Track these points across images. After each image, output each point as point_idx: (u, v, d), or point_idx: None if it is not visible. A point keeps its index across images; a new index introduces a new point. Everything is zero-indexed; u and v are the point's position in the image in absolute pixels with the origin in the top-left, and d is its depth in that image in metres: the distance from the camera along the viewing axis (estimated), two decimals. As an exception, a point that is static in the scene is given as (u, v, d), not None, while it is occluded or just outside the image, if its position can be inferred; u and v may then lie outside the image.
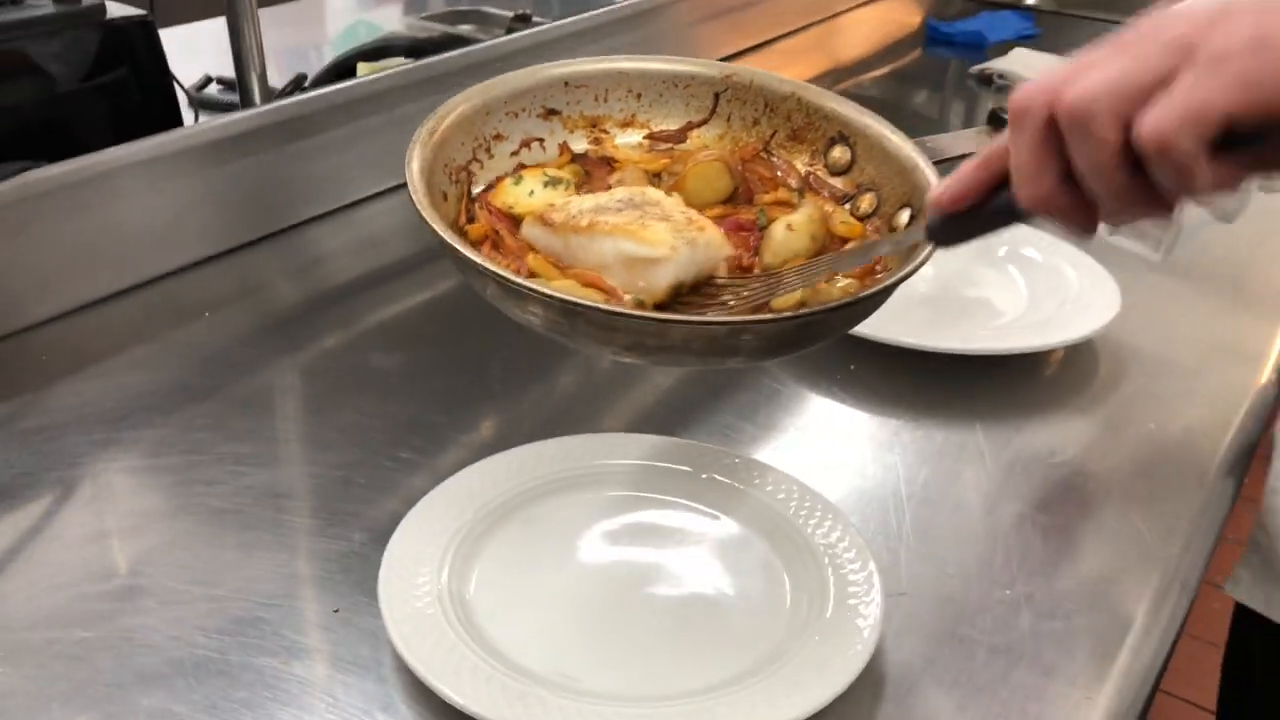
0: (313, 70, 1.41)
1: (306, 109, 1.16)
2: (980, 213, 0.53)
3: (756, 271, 0.68)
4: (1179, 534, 0.80)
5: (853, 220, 0.71)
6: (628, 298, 0.63)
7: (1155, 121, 0.42)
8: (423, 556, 0.71)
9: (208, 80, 1.44)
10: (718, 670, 0.65)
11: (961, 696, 0.66)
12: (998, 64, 1.70)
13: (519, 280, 0.58)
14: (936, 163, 0.70)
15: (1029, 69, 1.67)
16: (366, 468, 0.84)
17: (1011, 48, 1.78)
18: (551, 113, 0.75)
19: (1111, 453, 0.89)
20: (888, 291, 0.61)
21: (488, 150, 0.73)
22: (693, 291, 0.65)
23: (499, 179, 0.73)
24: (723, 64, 0.77)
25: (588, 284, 0.64)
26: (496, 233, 0.69)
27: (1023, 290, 1.08)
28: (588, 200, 0.67)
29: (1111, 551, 0.79)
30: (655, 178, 0.74)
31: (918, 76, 1.85)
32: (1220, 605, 1.00)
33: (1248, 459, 0.89)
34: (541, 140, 0.75)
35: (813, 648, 0.66)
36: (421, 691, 0.64)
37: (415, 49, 1.32)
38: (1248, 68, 0.40)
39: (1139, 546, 0.79)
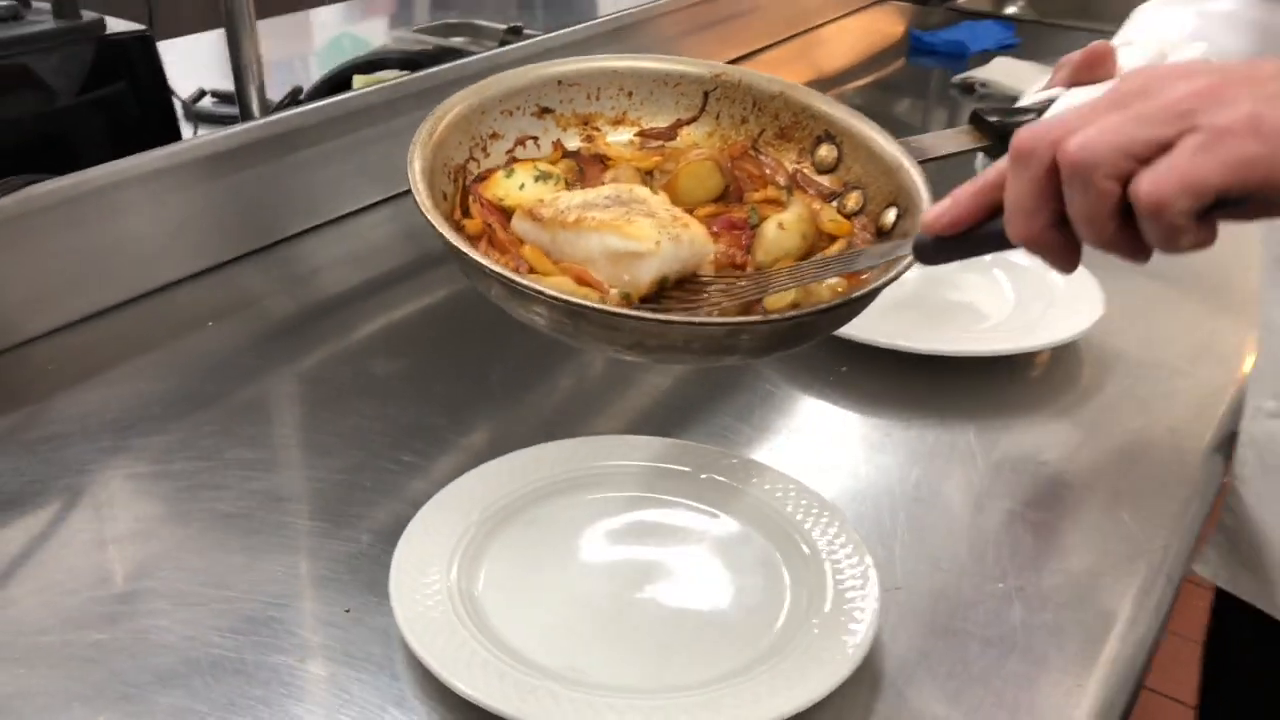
0: (301, 82, 1.42)
1: (305, 121, 1.18)
2: (969, 238, 0.55)
3: (749, 269, 0.70)
4: (1163, 529, 0.82)
5: (840, 218, 0.73)
6: (614, 291, 0.65)
7: (1153, 186, 0.44)
8: (431, 556, 0.73)
9: (202, 93, 1.45)
10: (722, 662, 0.67)
11: (957, 687, 0.69)
12: (980, 73, 1.73)
13: (524, 281, 0.60)
14: (921, 162, 0.72)
15: (1010, 77, 1.70)
16: (371, 471, 0.86)
17: (993, 57, 1.81)
18: (545, 111, 0.77)
19: (1097, 451, 0.92)
20: (875, 293, 0.63)
21: (484, 149, 0.74)
22: (677, 287, 0.66)
23: (490, 170, 0.74)
24: (712, 63, 0.79)
25: (575, 278, 0.65)
26: (490, 227, 0.70)
27: (1008, 294, 1.11)
28: (576, 196, 0.69)
29: (1099, 546, 0.81)
30: (647, 175, 0.75)
31: (901, 85, 1.88)
32: (1201, 603, 1.02)
33: (1228, 456, 0.92)
34: (536, 138, 0.77)
35: (813, 641, 0.68)
36: (433, 687, 0.66)
37: (409, 62, 1.34)
38: (1244, 149, 0.43)
39: (1125, 541, 0.81)
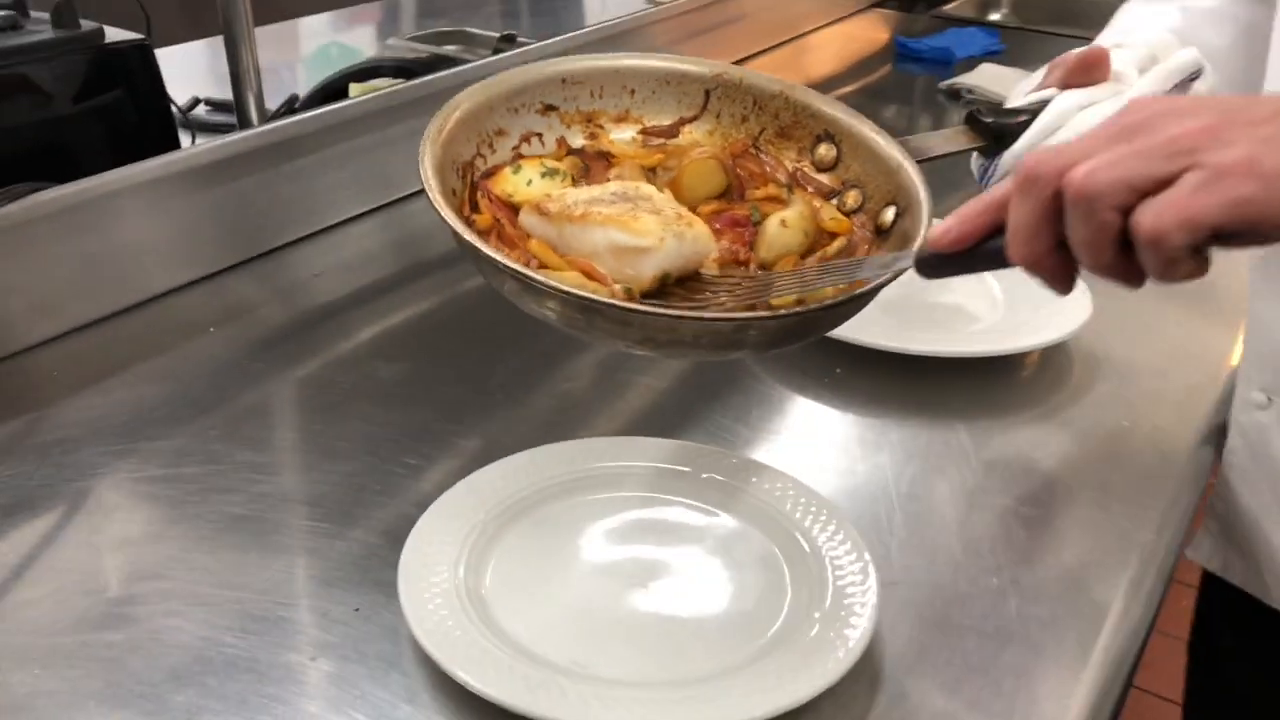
0: (291, 91, 1.43)
1: (303, 129, 1.20)
2: (970, 255, 0.56)
3: (751, 265, 0.71)
4: (1152, 522, 0.84)
5: (840, 216, 0.75)
6: (617, 286, 0.66)
7: (1154, 220, 0.46)
8: (438, 556, 0.74)
9: (195, 102, 1.46)
10: (726, 656, 0.69)
11: (956, 677, 0.70)
12: (966, 79, 1.76)
13: (538, 278, 0.62)
14: (919, 161, 0.74)
15: (996, 83, 1.72)
16: (376, 473, 0.87)
17: (979, 63, 1.84)
18: (550, 108, 0.78)
19: (1086, 448, 0.94)
20: (876, 290, 0.65)
21: (490, 146, 0.76)
22: (679, 284, 0.68)
23: (497, 166, 0.75)
24: (713, 62, 0.81)
25: (582, 271, 0.67)
26: (499, 222, 0.71)
27: (998, 296, 1.13)
28: (583, 192, 0.70)
29: (1090, 540, 0.83)
30: (650, 172, 0.77)
31: (888, 92, 1.90)
32: (1186, 602, 1.04)
33: (1215, 450, 0.94)
34: (540, 135, 0.78)
35: (815, 634, 0.70)
36: (443, 683, 0.67)
37: (404, 70, 1.35)
38: (1241, 189, 0.45)
39: (1115, 534, 0.83)
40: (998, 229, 0.53)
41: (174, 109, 1.24)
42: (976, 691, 0.69)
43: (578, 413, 0.98)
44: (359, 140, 1.25)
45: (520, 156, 0.76)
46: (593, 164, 0.77)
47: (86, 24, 1.13)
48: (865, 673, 0.70)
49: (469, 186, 0.73)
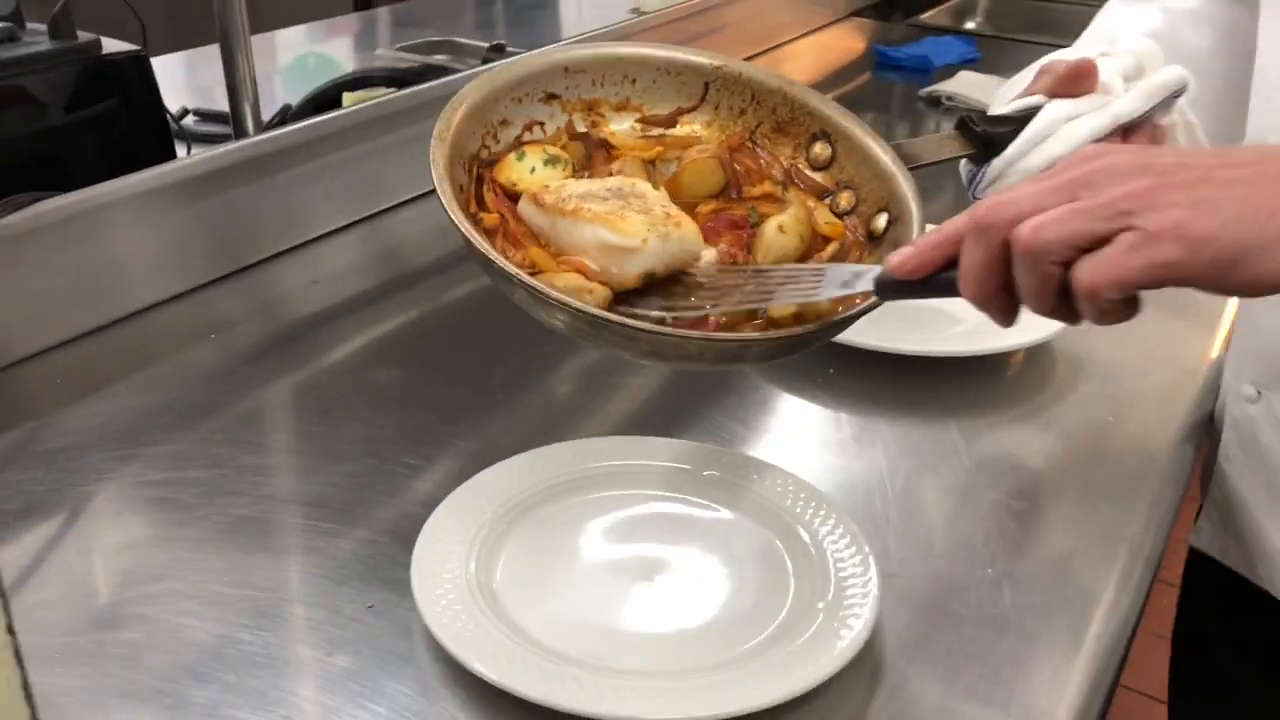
0: (271, 101, 1.44)
1: (299, 138, 1.21)
2: (925, 283, 0.60)
3: (747, 267, 0.73)
4: (1138, 515, 0.87)
5: (835, 220, 0.77)
6: (597, 292, 0.68)
7: (1089, 277, 0.51)
8: (449, 552, 0.76)
9: (185, 112, 1.47)
10: (734, 647, 0.71)
11: (955, 665, 0.72)
12: (945, 86, 1.79)
13: (550, 292, 0.64)
14: (911, 168, 0.76)
15: (975, 90, 1.75)
16: (378, 474, 0.89)
17: (957, 71, 1.87)
18: (552, 97, 0.79)
19: (1073, 444, 0.96)
20: (870, 309, 0.67)
21: (495, 136, 0.76)
22: (668, 280, 0.70)
23: (501, 154, 0.76)
24: (714, 54, 0.82)
25: (573, 269, 0.69)
26: (505, 220, 0.73)
27: (982, 298, 1.15)
28: (580, 186, 0.72)
29: (1080, 532, 0.85)
30: (650, 165, 0.78)
31: (868, 99, 1.93)
32: (1168, 601, 1.07)
33: (1195, 447, 0.97)
34: (542, 123, 0.79)
35: (819, 625, 0.72)
36: (458, 677, 0.69)
37: (395, 79, 1.37)
38: (1167, 254, 0.49)
39: (1103, 526, 0.85)
40: (951, 262, 0.57)
41: (172, 119, 1.25)
42: (974, 678, 0.72)
43: (574, 414, 1.00)
44: (353, 149, 1.27)
45: (523, 144, 0.77)
46: (594, 153, 0.78)
47: (83, 35, 1.14)
48: (867, 661, 0.72)
49: (474, 180, 0.74)
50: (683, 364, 0.68)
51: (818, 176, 0.79)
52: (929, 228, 0.63)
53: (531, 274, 0.67)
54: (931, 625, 0.76)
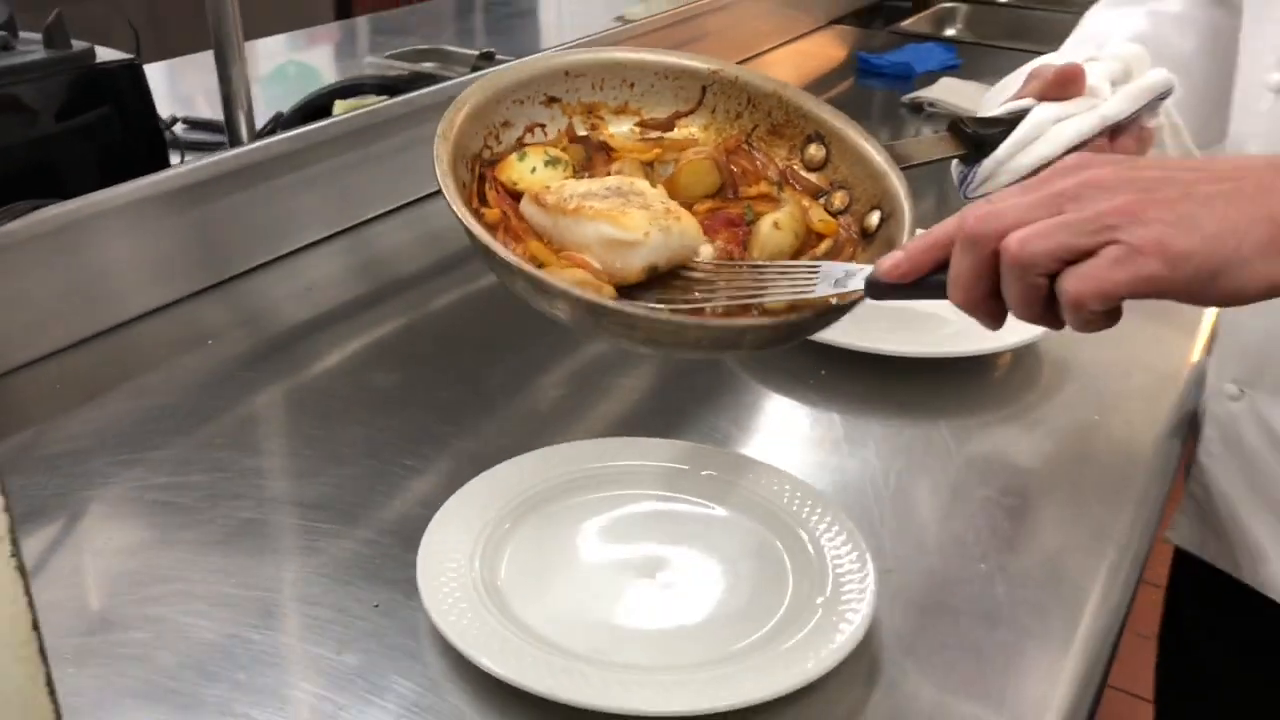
0: (257, 108, 1.45)
1: (293, 146, 1.22)
2: (915, 286, 0.61)
3: (743, 263, 0.74)
4: (1125, 511, 0.89)
5: (829, 217, 0.78)
6: (606, 288, 0.69)
7: (1074, 288, 0.53)
8: (454, 552, 0.77)
9: (174, 120, 1.48)
10: (737, 642, 0.72)
11: (951, 657, 0.74)
12: (927, 93, 1.82)
13: (551, 280, 0.65)
14: (904, 168, 0.77)
15: (956, 96, 1.78)
16: (381, 476, 0.90)
17: (938, 78, 1.90)
18: (553, 100, 0.81)
19: (1060, 442, 0.98)
20: (857, 301, 0.69)
21: (497, 137, 0.78)
22: (669, 275, 0.71)
23: (503, 154, 0.78)
24: (710, 59, 0.84)
25: (575, 265, 0.70)
26: (506, 215, 0.74)
27: (969, 300, 1.17)
28: (580, 185, 0.73)
29: (1069, 528, 0.87)
30: (649, 167, 0.80)
31: (851, 106, 1.94)
32: (1153, 599, 1.09)
33: (1179, 444, 0.99)
34: (543, 125, 0.80)
35: (818, 620, 0.73)
36: (465, 673, 0.70)
37: (386, 87, 1.38)
38: (1148, 268, 0.52)
39: (1092, 522, 0.87)
40: (940, 266, 0.59)
41: (165, 128, 1.26)
42: (970, 670, 0.73)
43: (570, 415, 1.02)
44: (345, 157, 1.28)
45: (524, 145, 0.79)
46: (594, 154, 0.80)
47: (78, 44, 1.15)
48: (865, 655, 0.73)
49: (476, 178, 0.76)
50: (680, 351, 0.70)
51: (812, 177, 0.81)
52: (918, 232, 0.65)
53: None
54: (927, 619, 0.77)
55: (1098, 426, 1.01)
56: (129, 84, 1.19)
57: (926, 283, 0.61)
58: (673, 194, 0.77)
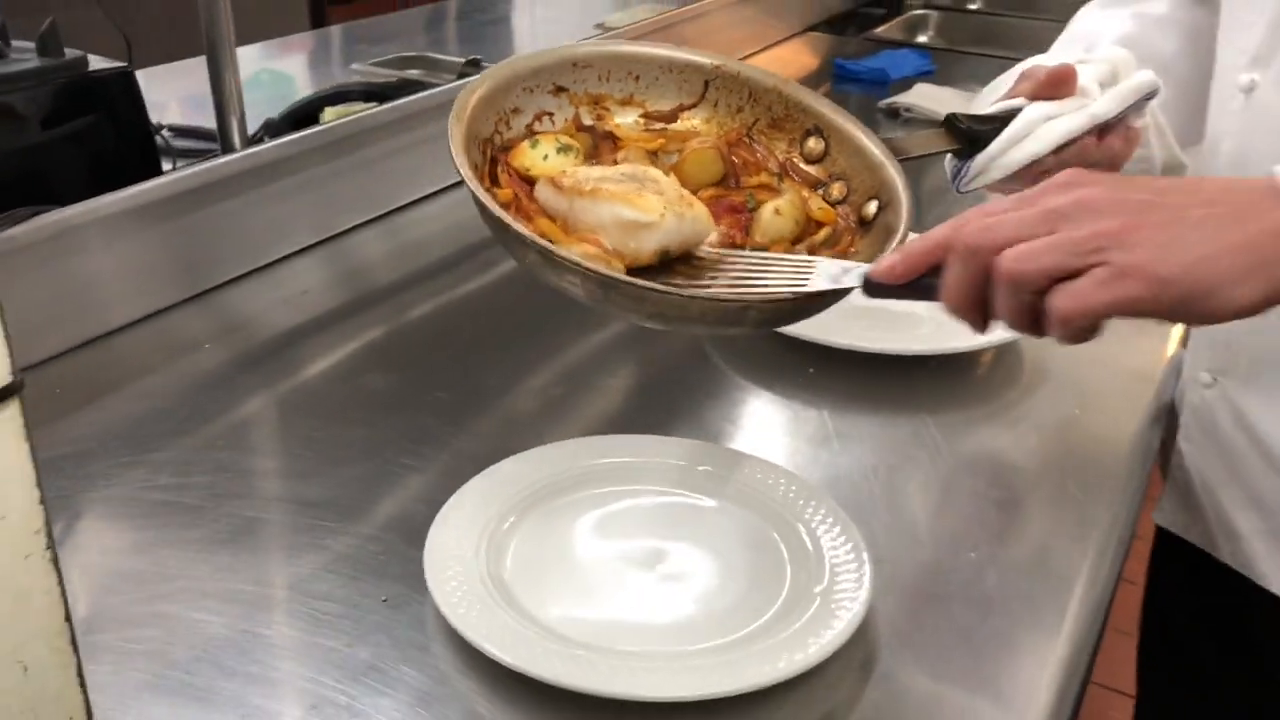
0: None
1: (285, 152, 1.24)
2: (909, 286, 0.64)
3: (747, 249, 0.77)
4: (1108, 499, 0.92)
5: (827, 207, 0.81)
6: (615, 266, 0.71)
7: (1061, 306, 0.56)
8: (460, 547, 0.79)
9: (159, 127, 1.49)
10: (738, 630, 0.74)
11: (946, 643, 0.76)
12: (903, 98, 1.85)
13: (563, 253, 0.67)
14: (901, 161, 0.80)
15: (932, 101, 1.81)
16: (381, 475, 0.91)
17: (913, 83, 1.93)
18: (560, 89, 0.83)
19: (1044, 434, 1.01)
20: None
21: (507, 123, 0.80)
22: (678, 260, 0.73)
23: (514, 140, 0.80)
24: (714, 54, 0.86)
25: (587, 243, 0.72)
26: (517, 196, 0.76)
27: (950, 299, 1.20)
28: (595, 170, 0.76)
29: (1054, 517, 0.90)
30: (653, 156, 0.82)
31: (828, 111, 1.98)
32: (1134, 597, 1.12)
33: (1157, 434, 1.02)
34: (551, 114, 0.83)
35: (816, 608, 0.75)
36: (473, 664, 0.72)
37: (374, 94, 1.39)
38: (1131, 290, 0.54)
39: (1077, 511, 0.90)
40: (934, 270, 0.61)
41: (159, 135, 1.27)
42: (964, 655, 0.76)
43: (564, 414, 1.03)
44: (337, 162, 1.30)
45: (534, 132, 0.81)
46: (600, 144, 0.82)
47: (70, 52, 1.16)
48: (862, 642, 0.75)
49: (488, 160, 0.78)
50: (685, 326, 0.71)
51: (811, 169, 0.83)
52: (911, 236, 0.68)
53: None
54: (921, 606, 0.80)
55: (1079, 419, 1.04)
56: (121, 92, 1.20)
57: (919, 285, 0.63)
58: (677, 181, 0.79)
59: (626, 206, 0.71)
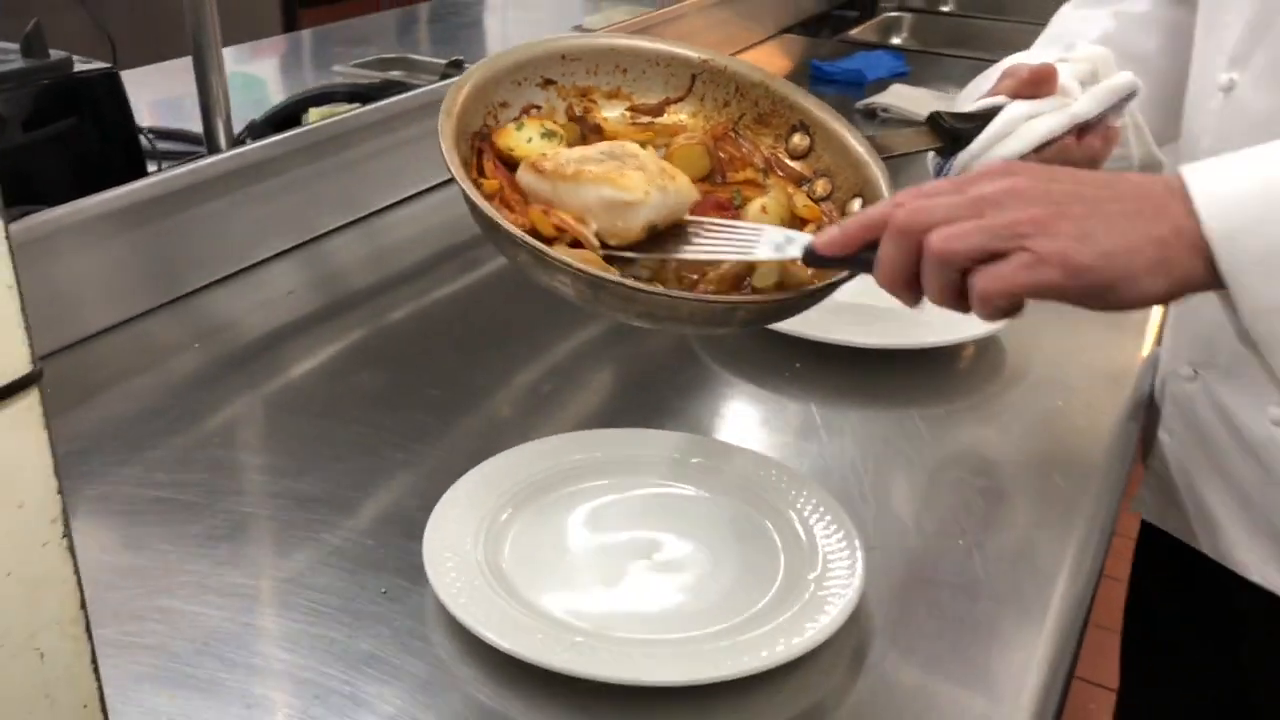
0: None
1: (270, 153, 1.24)
2: (846, 260, 0.67)
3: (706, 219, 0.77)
4: (1091, 488, 0.94)
5: (811, 203, 0.82)
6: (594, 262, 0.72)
7: (983, 286, 0.59)
8: (458, 538, 0.80)
9: (139, 129, 1.49)
10: (734, 617, 0.76)
11: (936, 627, 0.78)
12: (880, 99, 1.87)
13: (553, 254, 0.68)
14: (885, 159, 0.81)
15: (907, 102, 1.84)
16: (376, 470, 0.92)
17: (889, 84, 1.95)
18: (549, 82, 0.84)
19: (1027, 425, 1.03)
20: (845, 280, 0.72)
21: (495, 116, 0.81)
22: (665, 232, 0.74)
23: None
24: (701, 49, 0.87)
25: (573, 234, 0.73)
26: (502, 187, 0.76)
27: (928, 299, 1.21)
28: (575, 152, 0.76)
29: (1039, 505, 0.92)
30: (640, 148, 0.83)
31: (805, 112, 2.00)
32: (1117, 594, 1.14)
33: (1137, 426, 1.04)
34: (539, 107, 0.83)
35: (811, 594, 0.77)
36: (472, 653, 0.73)
37: (358, 95, 1.40)
38: (1049, 276, 0.58)
39: (1060, 500, 0.92)
40: (871, 245, 0.64)
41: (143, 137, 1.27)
42: (954, 639, 0.77)
43: (555, 410, 1.04)
44: (324, 162, 1.30)
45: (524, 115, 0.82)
46: (588, 135, 0.83)
47: (55, 53, 1.16)
48: (856, 627, 0.77)
49: (476, 153, 0.78)
50: (674, 325, 0.73)
51: (796, 165, 0.84)
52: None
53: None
54: (912, 591, 0.81)
55: (1061, 410, 1.06)
56: (106, 93, 1.20)
57: (857, 259, 0.66)
58: None
59: (611, 187, 0.72)
